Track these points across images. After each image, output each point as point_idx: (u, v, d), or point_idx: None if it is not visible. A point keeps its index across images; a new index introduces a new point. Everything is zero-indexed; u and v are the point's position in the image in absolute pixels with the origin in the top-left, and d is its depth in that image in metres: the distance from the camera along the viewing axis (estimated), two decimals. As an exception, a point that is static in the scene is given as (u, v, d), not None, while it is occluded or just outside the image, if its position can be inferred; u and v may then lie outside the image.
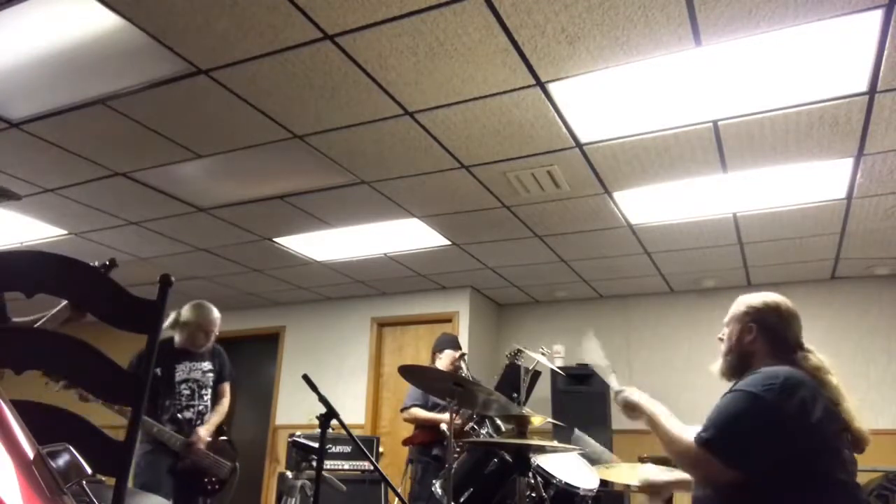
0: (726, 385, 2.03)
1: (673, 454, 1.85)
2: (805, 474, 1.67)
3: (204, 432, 3.57)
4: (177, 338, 3.68)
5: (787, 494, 1.67)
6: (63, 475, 0.71)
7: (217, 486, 3.61)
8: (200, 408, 3.64)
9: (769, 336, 1.92)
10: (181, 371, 3.63)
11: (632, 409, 2.03)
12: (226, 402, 3.82)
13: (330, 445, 4.80)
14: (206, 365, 3.74)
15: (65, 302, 2.38)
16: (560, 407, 5.63)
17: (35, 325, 2.37)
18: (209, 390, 3.70)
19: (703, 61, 2.79)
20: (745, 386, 1.79)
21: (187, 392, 3.61)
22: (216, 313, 3.72)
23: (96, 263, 2.57)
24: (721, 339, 2.04)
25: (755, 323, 1.94)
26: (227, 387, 3.85)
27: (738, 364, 1.96)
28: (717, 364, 2.03)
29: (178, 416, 3.55)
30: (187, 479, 3.53)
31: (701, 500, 1.88)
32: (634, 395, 2.04)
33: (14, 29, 2.73)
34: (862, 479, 1.88)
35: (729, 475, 1.69)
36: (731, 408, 1.76)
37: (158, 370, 3.53)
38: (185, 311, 3.68)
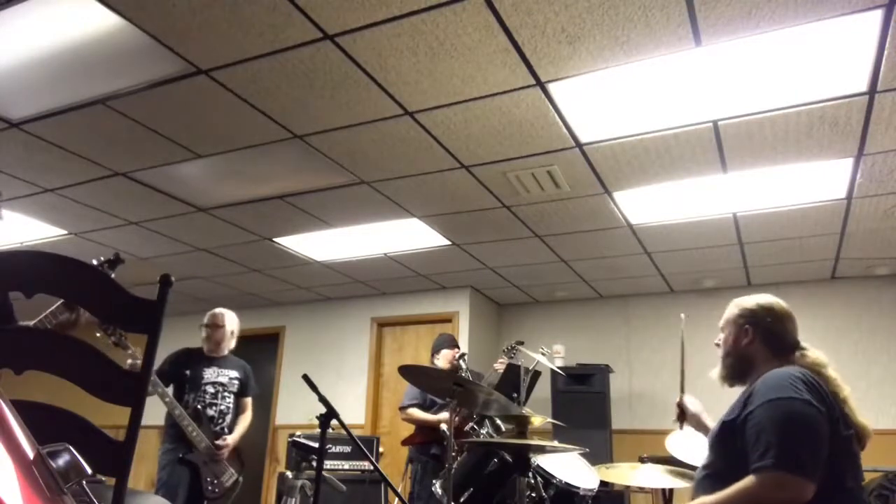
0: (725, 385, 2.02)
1: None
2: (822, 479, 1.62)
3: (232, 440, 3.79)
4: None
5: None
6: (63, 475, 0.71)
7: (217, 491, 3.67)
8: (222, 407, 3.85)
9: (766, 337, 1.91)
10: (209, 374, 3.88)
11: None
12: (249, 414, 4.03)
13: (330, 445, 4.80)
14: (233, 373, 3.97)
15: (60, 301, 2.37)
16: (560, 407, 5.63)
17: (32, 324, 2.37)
18: (232, 396, 3.92)
19: (703, 61, 2.79)
20: (773, 394, 1.70)
21: (211, 391, 3.84)
22: (221, 312, 3.98)
23: (101, 259, 2.57)
24: (718, 345, 2.02)
25: (751, 325, 1.92)
26: (249, 401, 4.06)
27: (738, 368, 1.94)
28: (716, 370, 2.01)
29: (200, 409, 3.73)
30: (196, 475, 3.63)
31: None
32: None
33: (14, 29, 2.73)
34: (862, 479, 1.87)
35: (810, 488, 1.59)
36: (778, 418, 1.66)
37: (188, 371, 3.82)
38: None
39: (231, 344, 4.03)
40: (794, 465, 1.60)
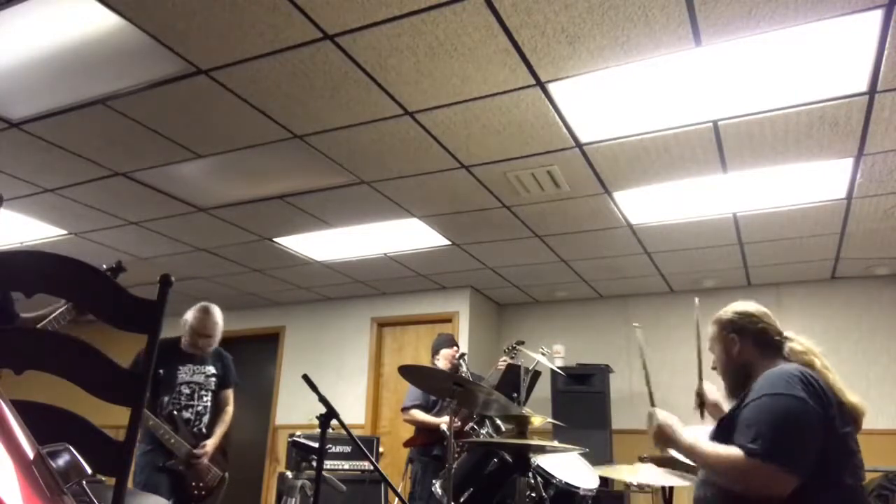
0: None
1: (722, 471, 1.74)
2: (818, 476, 1.64)
3: (210, 447, 3.57)
4: (183, 339, 3.71)
5: (797, 499, 1.63)
6: (63, 475, 0.71)
7: (203, 493, 3.54)
8: (199, 408, 3.64)
9: (753, 339, 1.94)
10: (184, 373, 3.63)
11: (664, 437, 1.92)
12: (230, 409, 3.79)
13: (330, 445, 4.80)
14: (210, 369, 3.73)
15: (67, 303, 2.38)
16: (560, 407, 5.64)
17: (37, 326, 2.37)
18: (210, 394, 3.70)
19: (703, 61, 2.79)
20: (770, 390, 1.73)
21: (187, 392, 3.61)
22: (216, 318, 3.69)
23: (104, 267, 2.56)
24: (714, 368, 2.05)
25: (736, 333, 1.96)
26: (230, 393, 3.82)
27: (739, 377, 1.95)
28: (722, 390, 2.04)
29: (176, 414, 3.54)
30: (177, 479, 3.50)
31: (702, 501, 1.87)
32: (664, 418, 1.93)
33: (14, 29, 2.73)
34: (862, 478, 1.87)
35: (792, 483, 1.61)
36: (772, 413, 1.68)
37: (161, 370, 3.55)
38: (189, 313, 3.69)
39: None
40: (781, 458, 1.62)
